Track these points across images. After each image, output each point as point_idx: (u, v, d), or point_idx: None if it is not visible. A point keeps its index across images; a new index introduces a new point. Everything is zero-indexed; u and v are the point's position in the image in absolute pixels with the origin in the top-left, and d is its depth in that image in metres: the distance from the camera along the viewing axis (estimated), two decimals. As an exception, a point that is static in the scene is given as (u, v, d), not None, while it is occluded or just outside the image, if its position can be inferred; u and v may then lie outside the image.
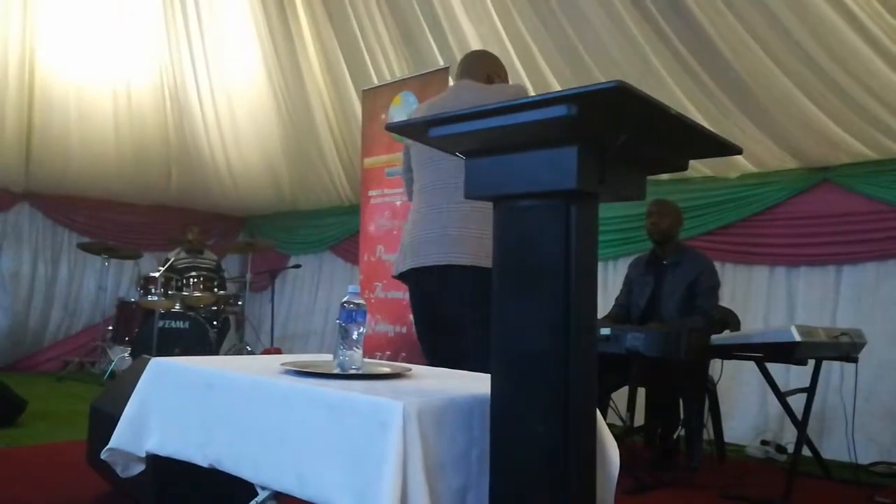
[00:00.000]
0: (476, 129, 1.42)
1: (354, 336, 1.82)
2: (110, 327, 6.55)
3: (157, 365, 2.07)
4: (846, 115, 4.15)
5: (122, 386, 2.79)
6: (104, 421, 2.62)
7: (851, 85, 3.96)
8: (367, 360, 1.95)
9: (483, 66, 2.87)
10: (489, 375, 1.49)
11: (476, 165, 1.51)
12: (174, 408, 1.96)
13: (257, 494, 1.73)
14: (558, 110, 1.29)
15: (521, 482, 1.43)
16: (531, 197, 1.43)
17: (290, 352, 7.16)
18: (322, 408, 1.56)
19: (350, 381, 1.70)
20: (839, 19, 3.73)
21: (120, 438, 2.04)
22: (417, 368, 2.07)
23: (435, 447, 1.46)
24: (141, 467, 2.10)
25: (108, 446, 2.05)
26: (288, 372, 1.80)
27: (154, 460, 2.04)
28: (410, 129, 1.58)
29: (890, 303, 4.25)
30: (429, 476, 1.42)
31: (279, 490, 1.63)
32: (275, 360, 2.05)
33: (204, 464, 1.81)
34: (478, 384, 1.70)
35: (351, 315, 1.81)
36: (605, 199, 1.54)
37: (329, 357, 2.06)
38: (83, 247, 6.83)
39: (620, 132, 1.36)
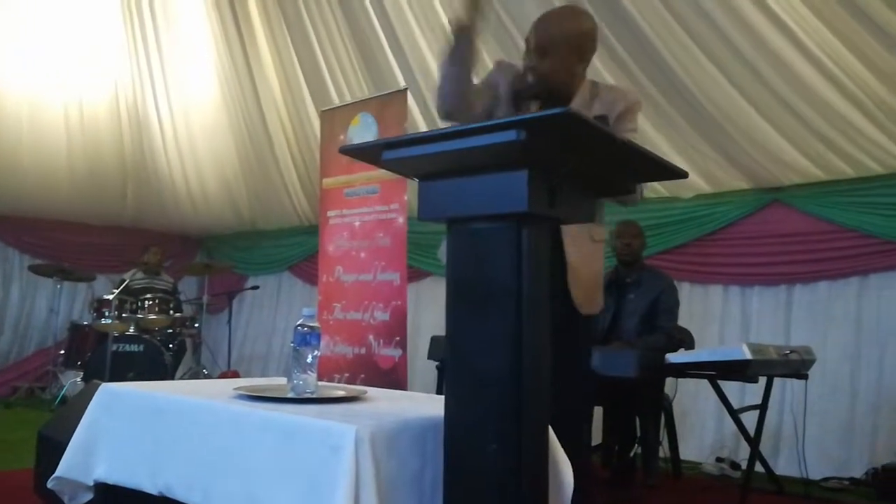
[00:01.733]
0: (430, 152, 1.44)
1: (308, 359, 1.81)
2: (62, 351, 6.39)
3: (107, 390, 2.03)
4: (797, 136, 4.27)
5: (72, 412, 2.72)
6: (53, 448, 2.56)
7: (802, 107, 4.08)
8: (322, 383, 1.94)
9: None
10: (442, 397, 1.50)
11: (430, 188, 1.52)
12: (124, 434, 1.92)
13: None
14: (508, 135, 1.31)
15: (474, 503, 1.43)
16: (484, 219, 1.45)
17: (249, 375, 7.07)
18: (275, 433, 1.55)
19: (303, 405, 1.69)
20: (789, 46, 3.86)
21: (67, 466, 1.99)
22: (373, 391, 2.06)
23: (388, 470, 1.46)
24: (89, 496, 2.04)
25: (55, 474, 2.00)
26: (241, 396, 1.78)
27: (103, 489, 1.99)
28: (366, 152, 1.59)
29: (841, 321, 4.37)
30: (381, 499, 1.41)
31: (231, 517, 1.60)
32: (228, 385, 2.03)
33: (154, 491, 1.77)
34: (431, 406, 1.70)
35: (305, 338, 1.80)
36: (558, 221, 1.56)
37: (284, 381, 2.04)
38: (34, 269, 6.69)
39: (569, 157, 1.39)
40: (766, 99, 4.16)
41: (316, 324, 1.83)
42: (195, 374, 6.46)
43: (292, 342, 1.82)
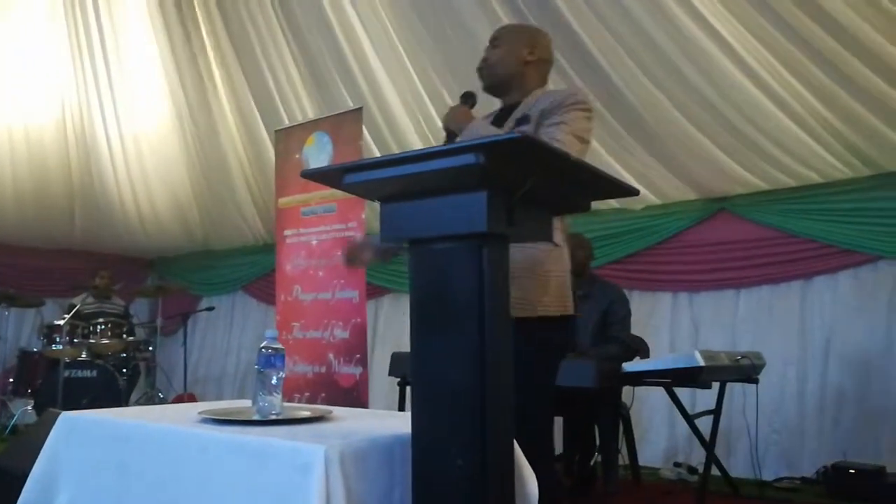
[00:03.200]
0: (390, 175, 1.47)
1: (273, 381, 1.82)
2: (11, 379, 6.22)
3: (67, 419, 2.00)
4: (738, 149, 4.44)
5: (28, 442, 2.68)
6: (8, 480, 2.51)
7: (741, 121, 4.26)
8: (286, 403, 1.95)
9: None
10: (409, 414, 1.52)
11: (392, 210, 1.56)
12: (87, 464, 1.90)
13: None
14: (467, 158, 1.35)
15: (442, 517, 1.46)
16: (445, 240, 1.48)
17: (204, 397, 6.97)
18: (243, 455, 1.56)
19: (270, 426, 1.70)
20: (728, 62, 4.02)
21: (29, 498, 1.96)
22: (338, 410, 2.08)
23: (357, 489, 1.48)
24: (51, 528, 2.01)
25: (15, 506, 1.96)
26: (206, 420, 1.78)
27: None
28: (326, 176, 1.62)
29: (783, 324, 4.52)
30: (352, 518, 1.43)
31: (200, 542, 1.61)
32: (192, 409, 2.02)
33: (119, 520, 1.76)
34: (398, 423, 1.73)
35: (269, 360, 1.81)
36: (515, 239, 1.61)
37: (247, 403, 2.05)
38: (-21, 295, 6.49)
39: (526, 178, 1.44)
40: (707, 116, 4.33)
41: (280, 346, 1.84)
42: (150, 399, 6.36)
43: (256, 364, 1.83)
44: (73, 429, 1.98)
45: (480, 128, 2.08)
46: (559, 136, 2.01)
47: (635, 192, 1.62)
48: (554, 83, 4.53)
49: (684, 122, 4.40)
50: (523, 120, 2.18)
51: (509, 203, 1.48)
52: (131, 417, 1.94)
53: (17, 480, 2.26)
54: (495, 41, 2.31)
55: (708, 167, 4.63)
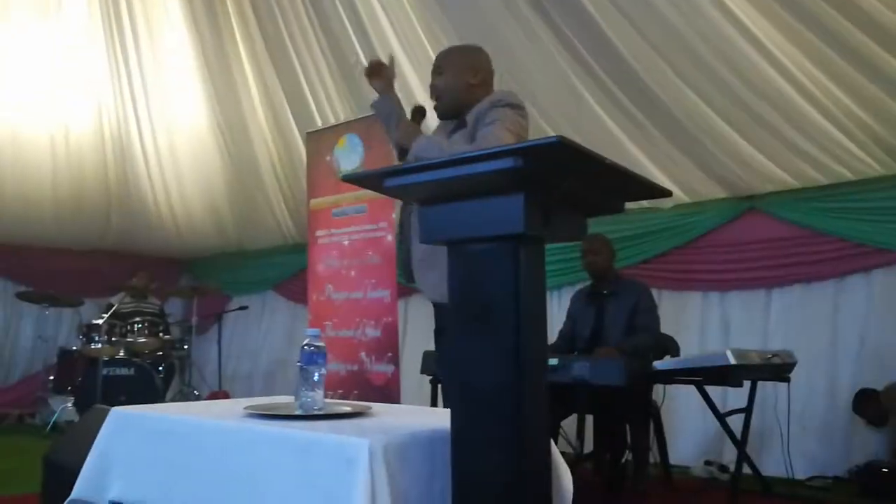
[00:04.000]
0: (430, 179, 1.52)
1: (315, 377, 1.89)
2: (51, 377, 6.38)
3: (118, 415, 2.09)
4: (769, 146, 4.42)
5: (77, 436, 2.77)
6: (59, 472, 2.60)
7: (772, 117, 4.23)
8: (327, 400, 2.01)
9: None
10: (447, 410, 1.57)
11: (431, 212, 1.61)
12: (137, 456, 1.98)
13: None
14: (505, 163, 1.40)
15: (481, 511, 1.51)
16: (482, 241, 1.53)
17: (234, 394, 7.08)
18: (289, 449, 1.62)
19: (314, 421, 1.76)
20: (762, 59, 4.00)
21: (82, 488, 2.05)
22: (377, 406, 2.14)
23: (400, 482, 1.54)
24: (103, 518, 2.10)
25: (70, 497, 2.05)
26: (252, 415, 1.85)
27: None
28: (367, 180, 1.68)
29: (816, 323, 4.50)
30: (396, 510, 1.49)
31: (248, 532, 1.67)
32: (236, 405, 2.10)
33: (169, 510, 1.83)
34: (437, 419, 1.78)
35: (312, 357, 1.88)
36: (550, 240, 1.65)
37: (289, 399, 2.12)
38: (22, 296, 6.68)
39: (562, 180, 1.48)
40: (738, 113, 4.31)
41: (322, 343, 1.90)
42: (185, 396, 6.48)
43: (299, 361, 1.89)
44: (124, 424, 2.07)
45: (428, 141, 2.30)
46: (495, 132, 2.15)
47: (668, 194, 1.66)
48: (582, 82, 4.59)
49: (715, 118, 4.39)
50: (459, 125, 2.37)
51: (545, 205, 1.52)
52: (178, 413, 2.02)
53: (67, 473, 2.36)
54: (438, 69, 2.46)
55: (738, 163, 4.62)
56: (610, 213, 1.75)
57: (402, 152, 2.41)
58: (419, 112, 2.48)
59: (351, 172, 1.75)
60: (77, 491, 2.05)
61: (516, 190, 1.46)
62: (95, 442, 2.09)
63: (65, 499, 2.10)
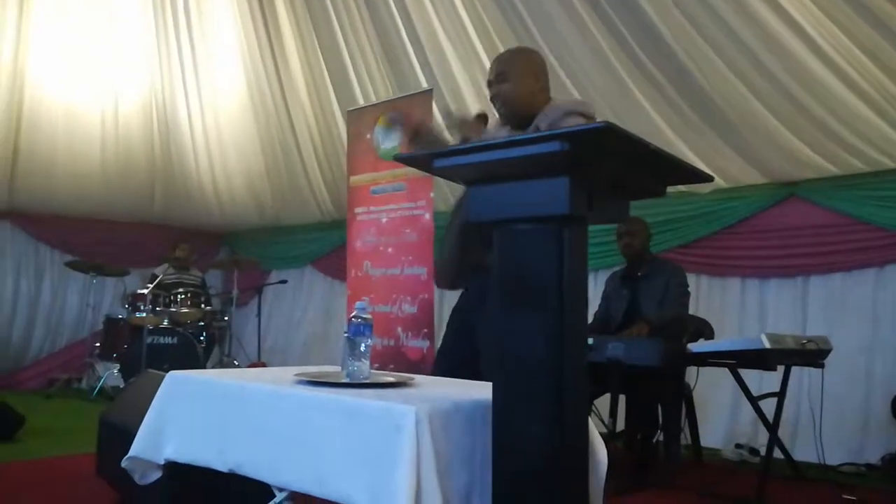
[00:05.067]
0: (479, 161, 1.58)
1: (362, 348, 1.97)
2: (97, 344, 6.60)
3: (175, 378, 2.20)
4: (811, 134, 4.39)
5: (129, 399, 2.92)
6: (114, 433, 2.75)
7: (815, 106, 4.20)
8: (372, 371, 2.09)
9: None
10: (487, 383, 1.64)
11: (479, 192, 1.67)
12: (192, 417, 2.09)
13: (266, 503, 1.88)
14: (553, 146, 1.45)
15: (521, 480, 1.57)
16: (528, 221, 1.59)
17: (273, 366, 7.24)
18: (338, 414, 1.71)
19: (362, 389, 1.84)
20: (803, 47, 3.97)
21: (139, 447, 2.16)
22: (419, 378, 2.22)
23: (443, 449, 1.61)
24: (158, 475, 2.22)
25: (128, 455, 2.16)
26: (301, 382, 1.94)
27: (171, 468, 2.16)
28: (417, 160, 1.74)
29: (855, 311, 4.48)
30: (440, 476, 1.56)
31: (299, 490, 1.77)
32: (285, 372, 2.19)
33: (223, 469, 1.93)
34: (479, 391, 1.85)
35: (359, 329, 1.97)
36: (593, 221, 1.70)
37: (335, 368, 2.21)
38: (71, 265, 6.89)
39: (607, 164, 1.54)
40: (778, 99, 4.28)
41: (369, 316, 1.98)
42: (225, 366, 6.65)
43: (346, 332, 1.98)
44: (179, 387, 2.18)
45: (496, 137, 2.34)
46: None
47: (710, 179, 1.70)
48: (624, 66, 4.58)
49: (755, 103, 4.36)
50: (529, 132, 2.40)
51: (590, 188, 1.57)
52: (232, 378, 2.12)
53: (122, 433, 2.50)
54: (502, 76, 2.49)
55: (778, 151, 4.59)
56: (652, 196, 1.79)
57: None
58: (482, 119, 2.55)
59: (403, 154, 1.81)
60: (135, 449, 2.16)
61: (562, 172, 1.51)
62: (152, 404, 2.19)
63: (121, 457, 2.22)
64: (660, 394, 3.90)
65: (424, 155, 1.70)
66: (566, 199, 1.51)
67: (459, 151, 1.62)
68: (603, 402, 3.97)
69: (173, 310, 6.36)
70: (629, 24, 4.43)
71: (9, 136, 6.53)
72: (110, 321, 6.57)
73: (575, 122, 2.28)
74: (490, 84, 2.54)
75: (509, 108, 2.49)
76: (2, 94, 6.30)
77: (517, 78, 2.47)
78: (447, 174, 1.72)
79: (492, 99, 2.53)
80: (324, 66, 6.36)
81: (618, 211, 1.74)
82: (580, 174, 1.53)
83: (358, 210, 5.33)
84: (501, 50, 5.10)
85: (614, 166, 1.56)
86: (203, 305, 6.63)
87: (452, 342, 2.77)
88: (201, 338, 6.52)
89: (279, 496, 1.85)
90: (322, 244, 7.76)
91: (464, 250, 2.59)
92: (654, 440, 3.97)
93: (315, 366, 2.47)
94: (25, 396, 6.08)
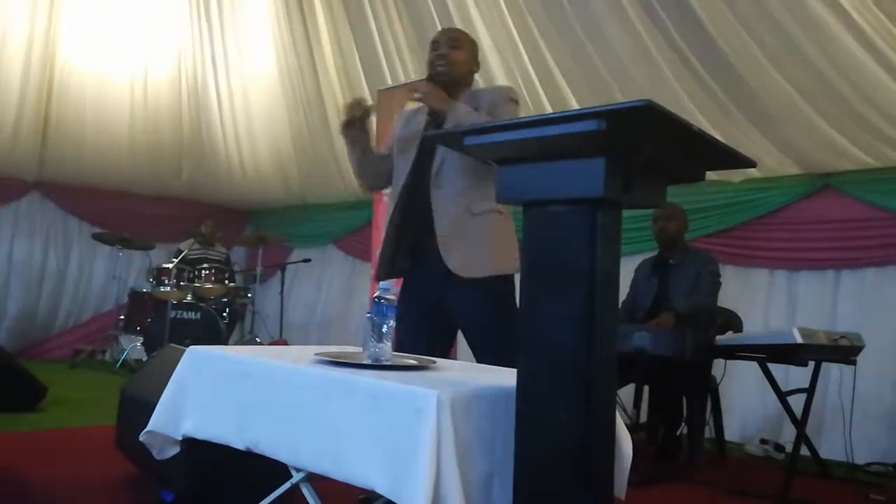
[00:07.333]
0: (510, 139, 1.53)
1: (384, 329, 1.93)
2: (122, 316, 6.65)
3: (195, 353, 2.17)
4: (848, 125, 4.26)
5: (151, 372, 2.91)
6: (135, 406, 2.74)
7: (854, 95, 4.08)
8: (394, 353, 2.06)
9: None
10: (508, 369, 1.59)
11: (509, 172, 1.61)
12: (211, 393, 2.06)
13: (282, 482, 1.85)
14: (589, 125, 1.39)
15: (545, 467, 1.53)
16: (561, 203, 1.53)
17: (293, 343, 7.27)
18: (359, 396, 1.67)
19: (383, 371, 1.81)
20: (845, 33, 3.84)
21: (158, 421, 2.14)
22: (441, 361, 2.17)
23: (465, 434, 1.57)
24: (176, 450, 2.20)
25: (146, 429, 2.15)
26: (322, 362, 1.91)
27: (189, 443, 2.14)
28: (447, 138, 1.69)
29: (888, 307, 4.36)
30: (460, 461, 1.52)
31: (316, 472, 1.73)
32: (306, 351, 2.16)
33: (241, 446, 1.91)
34: (500, 376, 1.81)
35: (382, 310, 1.92)
36: (628, 205, 1.64)
37: (356, 349, 2.17)
38: (98, 237, 6.94)
39: (645, 146, 1.47)
40: (816, 87, 4.16)
41: (393, 297, 1.94)
42: (248, 342, 6.69)
43: (369, 313, 1.94)
44: (200, 363, 2.15)
45: (467, 110, 2.50)
46: None
47: (753, 164, 1.62)
48: (662, 54, 4.46)
49: (791, 91, 4.24)
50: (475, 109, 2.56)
51: (626, 170, 1.51)
52: (252, 355, 2.09)
53: (142, 406, 2.48)
54: (455, 42, 2.68)
55: (814, 141, 4.47)
56: (691, 181, 1.73)
57: (435, 115, 2.64)
58: (365, 112, 2.87)
59: (434, 131, 1.80)
60: (153, 423, 2.15)
61: (599, 153, 1.45)
62: (172, 378, 2.17)
63: (140, 430, 2.20)
64: (685, 386, 3.83)
65: (455, 133, 1.65)
66: (601, 182, 1.45)
67: (491, 129, 1.56)
68: (626, 393, 3.91)
69: (197, 285, 6.39)
70: (668, 8, 4.32)
71: (39, 107, 6.58)
72: (135, 294, 6.63)
73: (513, 110, 2.53)
74: (437, 45, 2.67)
75: (453, 74, 2.63)
76: (34, 64, 6.34)
77: (468, 53, 2.71)
78: (477, 153, 1.66)
79: (437, 58, 2.64)
80: (354, 45, 6.30)
81: (654, 195, 1.67)
82: (617, 155, 1.47)
83: (386, 191, 5.28)
84: (535, 33, 5.05)
85: (653, 148, 1.50)
86: (227, 281, 6.65)
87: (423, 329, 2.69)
88: (224, 314, 6.55)
89: (296, 476, 1.82)
90: (345, 223, 7.74)
91: (399, 235, 2.68)
92: (678, 433, 3.91)
93: (335, 345, 2.44)
94: (50, 366, 6.14)
